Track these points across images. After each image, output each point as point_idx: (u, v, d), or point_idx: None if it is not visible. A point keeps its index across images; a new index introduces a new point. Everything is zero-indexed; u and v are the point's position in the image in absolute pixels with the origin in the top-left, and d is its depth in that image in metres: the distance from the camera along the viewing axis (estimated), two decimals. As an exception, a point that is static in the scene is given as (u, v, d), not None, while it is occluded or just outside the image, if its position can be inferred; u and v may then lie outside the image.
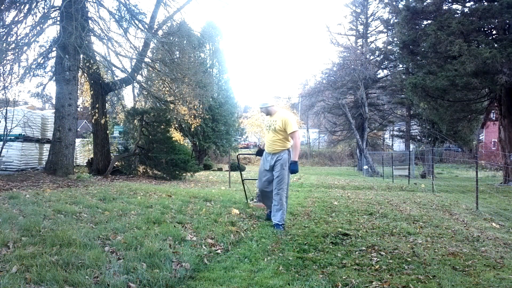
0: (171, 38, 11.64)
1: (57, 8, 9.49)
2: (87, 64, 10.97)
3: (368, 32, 29.21)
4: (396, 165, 19.36)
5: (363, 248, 3.96)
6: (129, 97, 35.66)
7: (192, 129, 17.05)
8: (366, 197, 8.74)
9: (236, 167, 24.19)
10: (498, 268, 3.40)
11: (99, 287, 2.58)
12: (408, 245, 4.13)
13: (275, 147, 4.62)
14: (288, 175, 4.65)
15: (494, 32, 13.19)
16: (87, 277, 2.65)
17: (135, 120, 12.50)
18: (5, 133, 9.73)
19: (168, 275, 2.87)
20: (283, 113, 4.64)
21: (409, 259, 3.60)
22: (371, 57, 26.32)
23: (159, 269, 2.95)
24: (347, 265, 3.38)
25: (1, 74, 8.76)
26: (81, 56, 10.33)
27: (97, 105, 11.71)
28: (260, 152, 5.10)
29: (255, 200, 6.03)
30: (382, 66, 26.26)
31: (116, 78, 12.38)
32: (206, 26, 20.51)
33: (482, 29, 12.78)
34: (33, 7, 9.15)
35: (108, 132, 12.53)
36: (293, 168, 4.54)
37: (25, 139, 11.75)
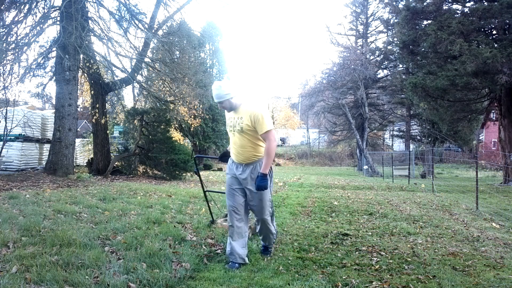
0: (171, 38, 11.64)
1: (57, 8, 9.50)
2: (87, 64, 10.97)
3: (368, 32, 29.23)
4: (396, 165, 19.36)
5: (363, 248, 3.96)
6: (129, 97, 35.66)
7: (192, 129, 17.07)
8: (366, 197, 8.73)
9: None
10: (498, 268, 3.39)
11: (99, 287, 2.58)
12: (408, 245, 4.13)
13: (247, 154, 3.30)
14: (270, 192, 3.38)
15: (494, 32, 13.19)
16: (87, 277, 2.65)
17: (135, 120, 12.50)
18: (5, 133, 9.73)
19: (168, 275, 2.87)
20: (251, 107, 3.28)
21: (409, 259, 3.60)
22: (371, 57, 26.32)
23: (159, 269, 2.96)
24: (347, 265, 3.38)
25: (1, 74, 8.77)
26: (81, 56, 10.34)
27: (97, 105, 11.71)
28: (225, 157, 3.68)
29: (224, 219, 4.57)
30: (382, 66, 26.27)
31: (116, 78, 12.39)
32: (206, 26, 20.57)
33: (482, 29, 12.78)
34: (33, 7, 9.16)
35: (108, 132, 12.53)
36: (259, 183, 3.16)
37: (25, 139, 11.76)
